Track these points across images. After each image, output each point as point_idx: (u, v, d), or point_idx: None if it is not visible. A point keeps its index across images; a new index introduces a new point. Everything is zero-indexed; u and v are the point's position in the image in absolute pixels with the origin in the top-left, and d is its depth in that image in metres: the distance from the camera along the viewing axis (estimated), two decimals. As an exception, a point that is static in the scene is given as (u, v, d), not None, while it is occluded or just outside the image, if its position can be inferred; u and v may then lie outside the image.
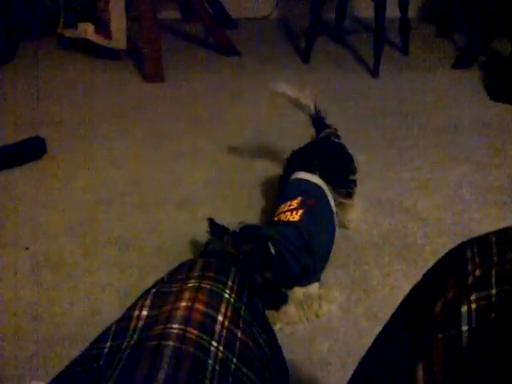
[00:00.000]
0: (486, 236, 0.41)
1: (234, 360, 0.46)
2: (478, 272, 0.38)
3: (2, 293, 1.21)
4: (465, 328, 0.36)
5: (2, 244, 1.36)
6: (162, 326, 0.45)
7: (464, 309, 0.37)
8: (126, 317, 0.49)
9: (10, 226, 1.43)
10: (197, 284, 0.50)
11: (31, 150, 1.74)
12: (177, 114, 2.08)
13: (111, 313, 1.14)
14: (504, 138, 1.88)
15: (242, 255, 1.07)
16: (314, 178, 1.32)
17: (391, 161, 1.74)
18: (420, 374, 0.37)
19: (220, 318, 0.48)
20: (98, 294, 1.21)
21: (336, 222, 1.32)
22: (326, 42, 2.82)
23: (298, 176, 1.34)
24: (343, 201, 1.37)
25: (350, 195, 1.39)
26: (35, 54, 2.67)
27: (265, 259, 1.10)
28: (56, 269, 1.27)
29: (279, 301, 1.14)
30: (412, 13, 2.73)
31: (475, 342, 0.35)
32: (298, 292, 1.16)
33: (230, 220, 1.21)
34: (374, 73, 2.40)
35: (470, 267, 0.39)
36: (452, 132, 1.92)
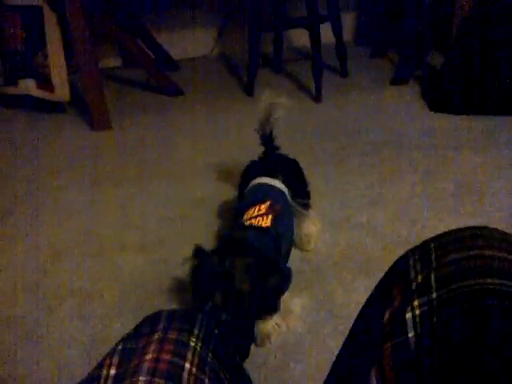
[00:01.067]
0: (426, 242, 0.43)
1: None
2: (419, 278, 0.40)
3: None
4: (411, 334, 0.37)
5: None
6: (128, 381, 0.45)
7: (409, 315, 0.38)
8: (95, 376, 0.48)
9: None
10: (162, 335, 0.50)
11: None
12: (126, 158, 2.08)
13: (78, 366, 1.11)
14: (448, 145, 1.95)
15: (240, 270, 1.06)
16: (277, 183, 1.35)
17: (342, 180, 1.78)
18: (373, 380, 0.39)
19: (187, 365, 0.48)
20: (63, 348, 1.17)
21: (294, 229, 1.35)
22: (267, 73, 2.89)
23: (262, 181, 1.37)
24: (301, 210, 1.39)
25: (306, 206, 1.42)
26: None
27: (268, 268, 1.10)
28: (18, 328, 1.24)
29: (274, 308, 1.15)
30: (346, 36, 2.83)
31: (421, 346, 0.36)
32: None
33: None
34: (317, 98, 2.46)
35: (412, 274, 0.41)
36: (398, 145, 1.98)
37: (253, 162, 1.50)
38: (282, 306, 1.20)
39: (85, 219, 1.69)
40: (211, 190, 1.78)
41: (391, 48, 3.01)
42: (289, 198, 1.35)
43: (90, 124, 2.39)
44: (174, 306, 1.28)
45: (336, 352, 1.09)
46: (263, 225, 1.23)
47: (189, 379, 0.46)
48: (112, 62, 3.16)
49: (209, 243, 1.33)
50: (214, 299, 1.06)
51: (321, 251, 1.43)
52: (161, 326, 0.52)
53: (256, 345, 1.15)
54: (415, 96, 2.43)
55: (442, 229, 1.47)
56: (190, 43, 3.28)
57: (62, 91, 2.46)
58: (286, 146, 2.06)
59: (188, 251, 1.30)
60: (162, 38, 3.08)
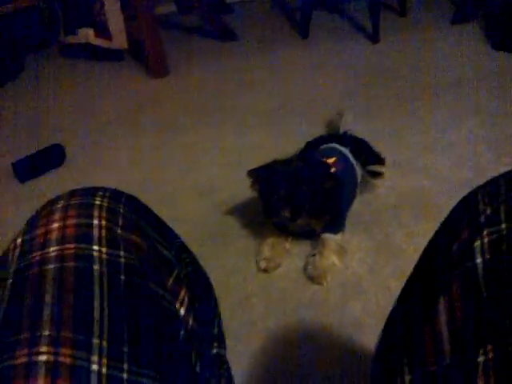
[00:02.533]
0: (495, 178, 0.43)
1: (122, 254, 0.45)
2: (488, 211, 0.40)
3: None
4: (479, 260, 0.38)
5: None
6: (39, 253, 0.43)
7: (477, 243, 0.39)
8: (6, 250, 0.47)
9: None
10: (65, 203, 0.48)
11: (52, 158, 1.79)
12: (185, 105, 2.12)
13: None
14: (510, 86, 1.88)
15: (298, 168, 1.21)
16: (347, 151, 1.40)
17: (401, 123, 1.76)
18: (441, 307, 0.40)
19: (95, 221, 0.46)
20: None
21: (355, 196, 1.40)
22: (322, 14, 2.82)
23: (332, 145, 1.42)
24: (372, 181, 1.46)
25: (376, 174, 1.47)
26: (41, 65, 2.72)
27: (327, 171, 1.24)
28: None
29: (340, 224, 1.26)
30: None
31: (490, 271, 0.38)
32: (330, 240, 1.25)
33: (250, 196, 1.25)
34: (374, 39, 2.40)
35: (481, 207, 0.42)
36: (458, 87, 1.93)
37: (321, 136, 1.55)
38: (339, 246, 1.25)
39: (149, 165, 1.75)
40: (269, 138, 1.80)
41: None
42: (356, 166, 1.39)
43: (147, 71, 2.42)
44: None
45: (396, 292, 1.12)
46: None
47: (100, 233, 0.45)
48: (167, 8, 3.16)
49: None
50: (283, 214, 1.19)
51: (379, 194, 1.44)
52: (63, 197, 0.50)
53: (313, 282, 1.20)
54: (477, 35, 2.33)
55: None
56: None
57: (119, 39, 2.49)
58: (344, 88, 2.05)
59: (248, 195, 1.34)
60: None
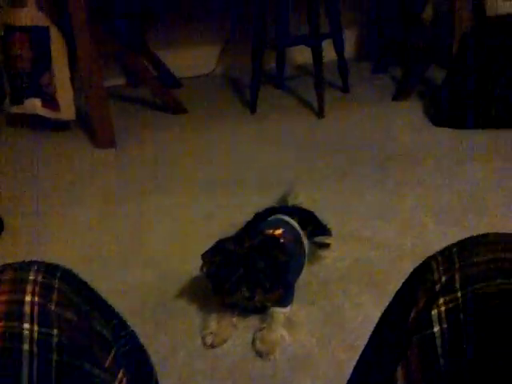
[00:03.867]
0: (447, 248, 0.45)
1: (55, 332, 0.42)
2: (443, 279, 0.42)
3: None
4: (436, 329, 0.39)
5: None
6: None
7: (434, 312, 0.40)
8: None
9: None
10: None
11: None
12: (132, 176, 2.10)
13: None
14: (450, 159, 1.96)
15: (253, 245, 1.19)
16: (294, 223, 1.41)
17: (346, 195, 1.79)
18: (399, 373, 0.40)
19: (28, 298, 0.43)
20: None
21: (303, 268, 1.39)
22: (269, 90, 2.91)
23: (279, 217, 1.43)
24: (319, 252, 1.47)
25: (323, 245, 1.48)
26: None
27: (280, 244, 1.24)
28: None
29: (288, 295, 1.25)
30: (348, 52, 2.86)
31: (447, 341, 0.38)
32: (278, 313, 1.23)
33: (195, 269, 1.22)
34: (319, 113, 2.48)
35: (436, 276, 0.43)
36: (401, 160, 2.00)
37: (268, 208, 1.57)
38: (288, 319, 1.22)
39: (91, 236, 1.70)
40: (218, 208, 1.79)
41: (392, 64, 3.04)
42: (303, 237, 1.41)
43: (94, 142, 2.41)
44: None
45: (345, 365, 1.10)
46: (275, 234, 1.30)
47: (32, 310, 0.42)
48: (116, 80, 3.19)
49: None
50: (241, 293, 1.18)
51: (327, 265, 1.44)
52: None
53: (262, 357, 1.16)
54: (417, 111, 2.45)
55: (446, 241, 1.48)
56: (192, 61, 3.31)
57: (67, 110, 2.48)
58: (290, 161, 2.09)
59: (197, 265, 1.31)
60: (165, 56, 3.11)
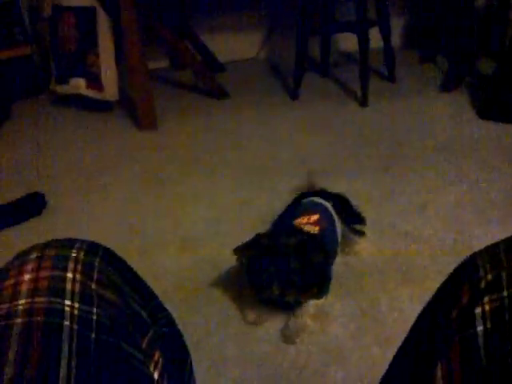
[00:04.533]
0: (495, 245, 0.43)
1: (94, 310, 0.42)
2: (489, 277, 0.40)
3: None
4: (480, 328, 0.38)
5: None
6: (7, 305, 0.41)
7: (478, 310, 0.39)
8: None
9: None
10: (39, 254, 0.46)
11: (31, 207, 1.75)
12: (173, 159, 2.11)
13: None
14: (496, 154, 1.90)
15: (288, 244, 1.17)
16: (329, 206, 1.40)
17: (388, 187, 1.76)
18: (439, 373, 0.39)
19: (69, 275, 0.44)
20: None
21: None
22: (313, 77, 2.88)
23: (315, 199, 1.42)
24: (352, 237, 1.45)
25: (357, 232, 1.47)
26: (29, 112, 2.72)
27: (318, 244, 1.22)
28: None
29: (325, 290, 1.22)
30: (395, 41, 2.80)
31: (490, 341, 0.37)
32: (311, 304, 1.22)
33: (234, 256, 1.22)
34: (363, 103, 2.44)
35: (481, 273, 0.41)
36: (445, 153, 1.95)
37: (304, 192, 1.55)
38: (321, 310, 1.22)
39: (131, 216, 1.72)
40: (257, 194, 1.78)
41: (441, 53, 2.95)
42: (338, 223, 1.39)
43: (136, 124, 2.43)
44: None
45: (378, 359, 1.08)
46: (312, 232, 1.27)
47: (73, 288, 0.43)
48: (160, 63, 3.21)
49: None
50: (272, 290, 1.16)
51: (365, 258, 1.42)
52: (37, 247, 0.47)
53: (286, 341, 1.17)
54: (464, 103, 2.38)
55: (489, 239, 1.45)
56: (236, 46, 3.30)
57: (110, 90, 2.51)
58: (333, 151, 2.07)
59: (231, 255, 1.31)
60: (209, 40, 3.11)
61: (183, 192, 1.84)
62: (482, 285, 0.40)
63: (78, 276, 0.44)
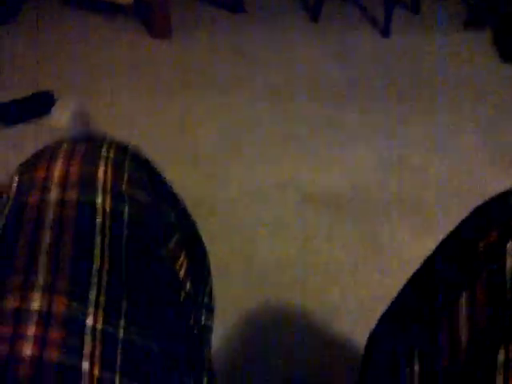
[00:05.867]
0: None
1: (126, 209, 0.42)
2: None
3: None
4: (509, 262, 0.37)
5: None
6: (38, 194, 0.41)
7: (509, 245, 0.38)
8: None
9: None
10: (69, 148, 0.45)
11: (40, 104, 1.73)
12: (184, 68, 2.06)
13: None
14: (513, 99, 1.88)
15: None
16: None
17: (403, 118, 1.74)
18: (463, 302, 0.39)
19: (101, 172, 0.43)
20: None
21: None
22: (336, 0, 2.77)
23: None
24: None
25: None
26: (39, 11, 2.63)
27: None
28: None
29: None
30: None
31: None
32: None
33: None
34: (385, 32, 2.37)
35: None
36: (464, 92, 1.91)
37: None
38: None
39: (140, 125, 1.71)
40: (269, 114, 1.76)
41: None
42: None
43: (150, 30, 2.36)
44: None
45: (375, 286, 1.11)
46: None
47: (104, 185, 0.43)
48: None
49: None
50: None
51: (372, 187, 1.43)
52: (67, 141, 0.47)
53: None
54: (487, 43, 2.32)
55: (501, 184, 1.44)
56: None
57: (125, -7, 2.42)
58: (351, 78, 2.02)
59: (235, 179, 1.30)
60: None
61: (192, 104, 1.81)
62: None
63: (108, 174, 0.44)
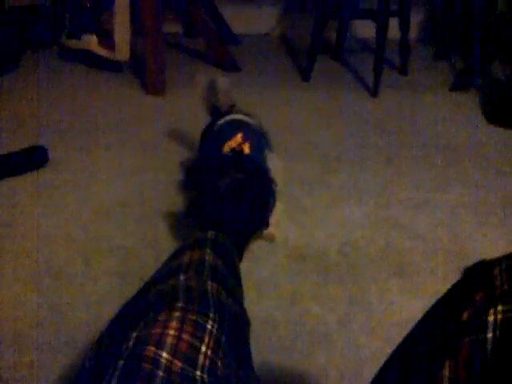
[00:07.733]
0: None
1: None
2: (505, 287, 0.41)
3: (3, 299, 1.21)
4: (490, 335, 0.38)
5: (3, 251, 1.36)
6: (153, 349, 0.48)
7: (491, 318, 0.39)
8: (117, 338, 0.53)
9: (12, 234, 1.44)
10: (182, 314, 0.55)
11: (33, 159, 1.75)
12: (177, 126, 2.10)
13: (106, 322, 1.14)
14: (500, 159, 1.91)
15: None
16: (248, 118, 1.54)
17: (389, 179, 1.77)
18: (446, 372, 0.40)
19: (203, 348, 0.52)
20: (99, 302, 1.21)
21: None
22: (326, 60, 2.86)
23: (233, 117, 1.54)
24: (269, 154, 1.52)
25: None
26: (38, 63, 2.70)
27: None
28: (57, 276, 1.28)
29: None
30: (411, 34, 2.78)
31: (499, 349, 0.37)
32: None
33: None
34: (373, 92, 2.43)
35: (497, 282, 0.42)
36: (450, 153, 1.95)
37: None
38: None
39: (132, 180, 1.72)
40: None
41: (456, 52, 2.94)
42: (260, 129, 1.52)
43: (144, 87, 2.41)
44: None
45: (364, 348, 1.10)
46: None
47: (204, 362, 0.50)
48: (173, 28, 3.18)
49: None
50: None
51: (359, 247, 1.43)
52: (179, 304, 0.57)
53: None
54: (474, 105, 2.38)
55: (485, 242, 1.46)
56: (252, 20, 3.27)
57: (122, 51, 2.49)
58: (336, 137, 2.06)
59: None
60: (225, 11, 3.07)
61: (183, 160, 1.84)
62: (497, 293, 0.41)
63: (209, 352, 0.52)
